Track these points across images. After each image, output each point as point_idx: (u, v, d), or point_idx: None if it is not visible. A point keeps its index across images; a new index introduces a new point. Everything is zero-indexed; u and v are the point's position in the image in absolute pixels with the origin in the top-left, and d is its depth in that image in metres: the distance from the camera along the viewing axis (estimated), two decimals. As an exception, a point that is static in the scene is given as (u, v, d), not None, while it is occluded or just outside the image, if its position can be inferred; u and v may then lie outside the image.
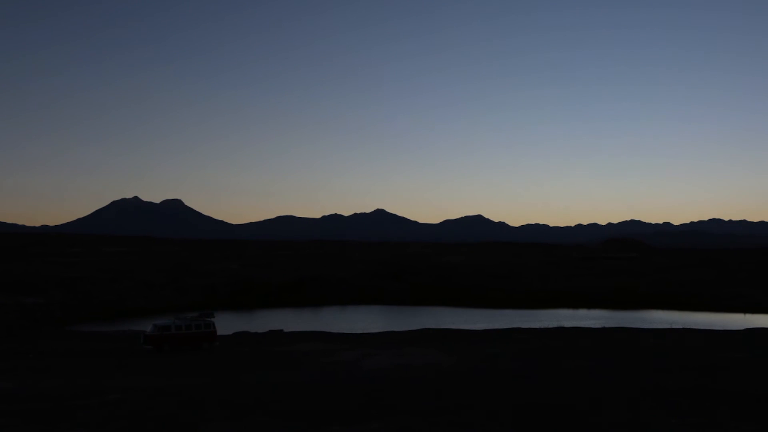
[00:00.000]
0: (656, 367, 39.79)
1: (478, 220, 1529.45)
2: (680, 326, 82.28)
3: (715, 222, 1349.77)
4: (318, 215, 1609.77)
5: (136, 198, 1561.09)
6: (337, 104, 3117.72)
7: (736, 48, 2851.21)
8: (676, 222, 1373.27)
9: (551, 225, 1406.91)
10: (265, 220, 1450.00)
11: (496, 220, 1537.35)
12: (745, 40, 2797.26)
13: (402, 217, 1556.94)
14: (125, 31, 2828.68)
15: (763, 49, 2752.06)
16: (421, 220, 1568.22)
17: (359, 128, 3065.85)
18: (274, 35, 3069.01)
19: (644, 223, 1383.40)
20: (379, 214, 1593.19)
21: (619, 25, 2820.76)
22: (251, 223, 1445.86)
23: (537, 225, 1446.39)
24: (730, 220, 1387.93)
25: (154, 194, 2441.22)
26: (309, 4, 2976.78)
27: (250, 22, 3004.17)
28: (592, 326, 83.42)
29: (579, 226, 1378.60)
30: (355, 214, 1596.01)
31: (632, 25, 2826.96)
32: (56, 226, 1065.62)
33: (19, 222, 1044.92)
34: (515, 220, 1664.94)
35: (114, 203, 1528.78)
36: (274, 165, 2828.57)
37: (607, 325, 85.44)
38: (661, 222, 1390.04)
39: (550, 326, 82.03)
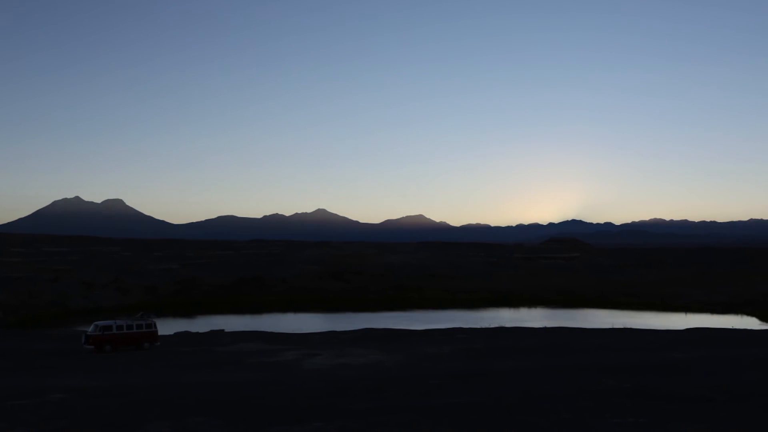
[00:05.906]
0: (597, 367, 40.47)
1: (420, 219, 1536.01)
2: (621, 326, 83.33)
3: (657, 222, 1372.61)
4: (259, 215, 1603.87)
5: (77, 198, 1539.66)
6: (278, 104, 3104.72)
7: (675, 50, 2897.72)
8: (617, 222, 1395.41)
9: (492, 225, 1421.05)
10: (206, 220, 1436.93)
11: (438, 220, 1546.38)
12: (683, 42, 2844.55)
13: (343, 217, 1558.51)
14: (64, 30, 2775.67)
15: (705, 51, 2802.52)
16: (362, 220, 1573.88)
17: (300, 128, 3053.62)
18: (214, 35, 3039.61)
19: (585, 222, 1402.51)
20: (321, 213, 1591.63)
21: (563, 28, 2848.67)
22: (192, 222, 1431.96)
23: (478, 225, 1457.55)
24: (672, 220, 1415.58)
25: (95, 194, 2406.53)
26: (266, 6, 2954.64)
27: (190, 22, 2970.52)
28: (533, 326, 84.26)
29: (520, 225, 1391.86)
30: (297, 214, 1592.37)
31: (574, 26, 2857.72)
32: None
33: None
34: (456, 220, 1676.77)
35: (55, 203, 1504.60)
36: (215, 165, 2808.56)
37: (548, 325, 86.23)
38: (602, 222, 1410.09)
39: (492, 326, 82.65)
